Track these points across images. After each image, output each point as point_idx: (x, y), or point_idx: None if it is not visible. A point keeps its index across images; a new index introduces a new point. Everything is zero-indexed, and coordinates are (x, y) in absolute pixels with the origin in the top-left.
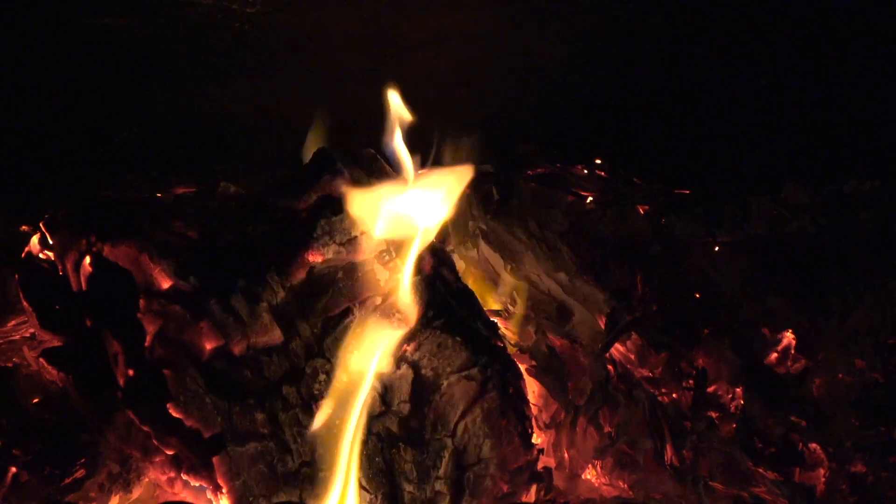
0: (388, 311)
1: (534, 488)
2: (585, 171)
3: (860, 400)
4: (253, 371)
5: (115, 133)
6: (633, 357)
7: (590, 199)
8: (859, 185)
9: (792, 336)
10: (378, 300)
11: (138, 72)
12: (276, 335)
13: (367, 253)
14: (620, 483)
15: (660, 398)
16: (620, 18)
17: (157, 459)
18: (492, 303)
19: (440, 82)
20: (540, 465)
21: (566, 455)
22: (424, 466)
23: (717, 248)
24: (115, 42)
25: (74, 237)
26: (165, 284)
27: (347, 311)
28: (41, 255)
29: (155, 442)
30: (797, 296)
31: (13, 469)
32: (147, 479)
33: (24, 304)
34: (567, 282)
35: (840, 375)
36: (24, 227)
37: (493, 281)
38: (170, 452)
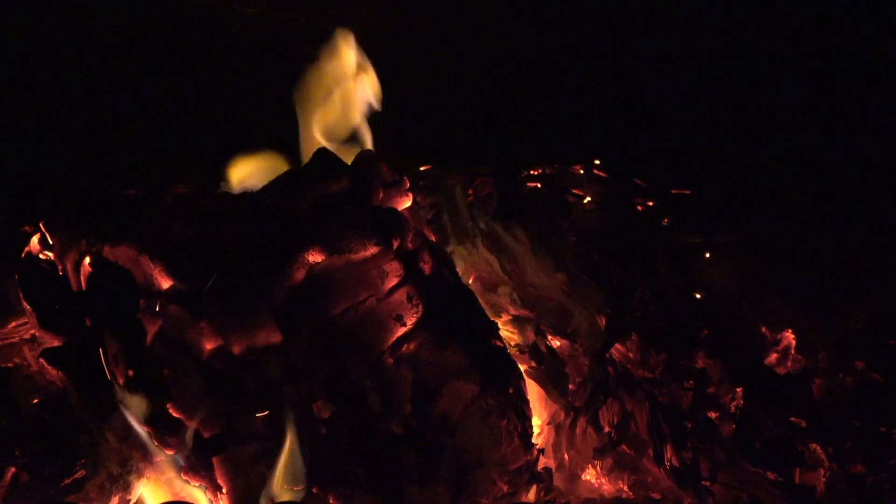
0: (388, 311)
1: (534, 488)
2: (582, 171)
3: (860, 400)
4: (253, 371)
5: (115, 133)
6: (633, 357)
7: (588, 199)
8: (859, 185)
9: (792, 336)
10: (377, 300)
11: (139, 72)
12: (276, 335)
13: None
14: (620, 483)
15: (660, 398)
16: (620, 18)
17: (157, 459)
18: (492, 303)
19: (441, 82)
20: (540, 466)
21: (566, 456)
22: (425, 467)
23: (716, 249)
24: (115, 42)
25: (74, 237)
26: (165, 284)
27: (347, 311)
28: (41, 255)
29: (155, 442)
30: (797, 296)
31: (13, 469)
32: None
33: (24, 304)
34: (567, 282)
35: (840, 375)
36: (24, 227)
37: (493, 281)
38: (170, 452)
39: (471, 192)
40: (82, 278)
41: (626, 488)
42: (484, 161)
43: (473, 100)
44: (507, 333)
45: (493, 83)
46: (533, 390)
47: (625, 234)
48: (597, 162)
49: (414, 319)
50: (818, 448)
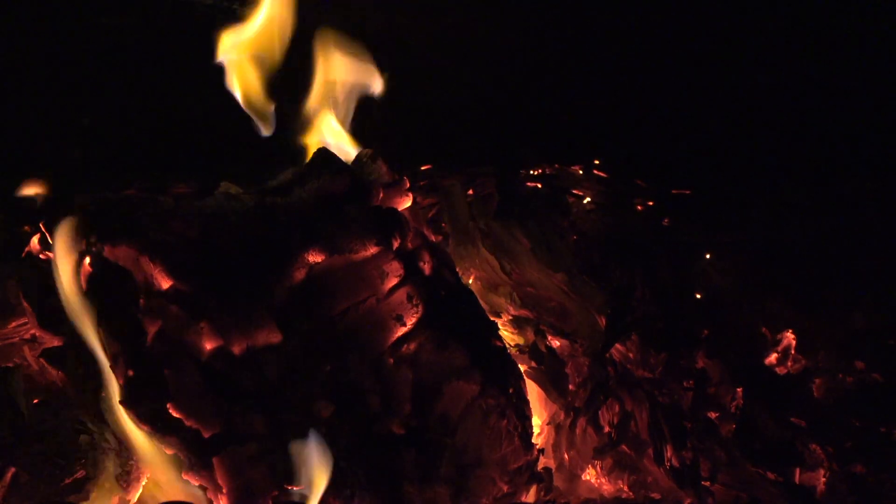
0: (388, 311)
1: (534, 488)
2: (582, 172)
3: (860, 400)
4: (253, 371)
5: (114, 133)
6: (633, 357)
7: (588, 199)
8: (859, 185)
9: (792, 336)
10: (377, 300)
11: (138, 72)
12: (275, 335)
13: None
14: (620, 483)
15: (660, 398)
16: (620, 18)
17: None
18: (492, 303)
19: (441, 82)
20: (540, 466)
21: (566, 456)
22: (425, 467)
23: (716, 249)
24: (115, 42)
25: (74, 237)
26: (165, 284)
27: (347, 311)
28: (41, 256)
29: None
30: (797, 296)
31: (13, 469)
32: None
33: (24, 304)
34: (567, 282)
35: (840, 375)
36: (24, 227)
37: (493, 281)
38: (170, 452)
39: (471, 192)
40: (82, 278)
41: (626, 488)
42: (484, 161)
43: (474, 100)
44: (507, 333)
45: (493, 83)
46: (533, 390)
47: (625, 234)
48: (597, 162)
49: (414, 319)
50: (818, 448)
